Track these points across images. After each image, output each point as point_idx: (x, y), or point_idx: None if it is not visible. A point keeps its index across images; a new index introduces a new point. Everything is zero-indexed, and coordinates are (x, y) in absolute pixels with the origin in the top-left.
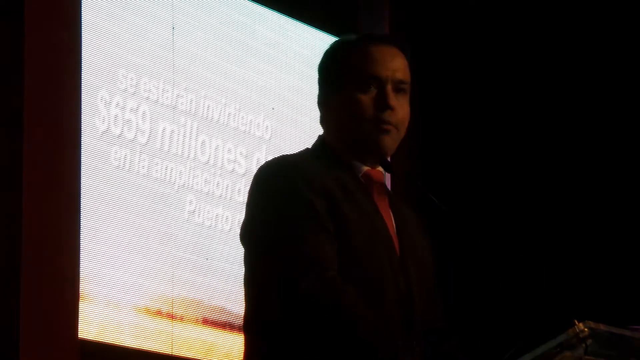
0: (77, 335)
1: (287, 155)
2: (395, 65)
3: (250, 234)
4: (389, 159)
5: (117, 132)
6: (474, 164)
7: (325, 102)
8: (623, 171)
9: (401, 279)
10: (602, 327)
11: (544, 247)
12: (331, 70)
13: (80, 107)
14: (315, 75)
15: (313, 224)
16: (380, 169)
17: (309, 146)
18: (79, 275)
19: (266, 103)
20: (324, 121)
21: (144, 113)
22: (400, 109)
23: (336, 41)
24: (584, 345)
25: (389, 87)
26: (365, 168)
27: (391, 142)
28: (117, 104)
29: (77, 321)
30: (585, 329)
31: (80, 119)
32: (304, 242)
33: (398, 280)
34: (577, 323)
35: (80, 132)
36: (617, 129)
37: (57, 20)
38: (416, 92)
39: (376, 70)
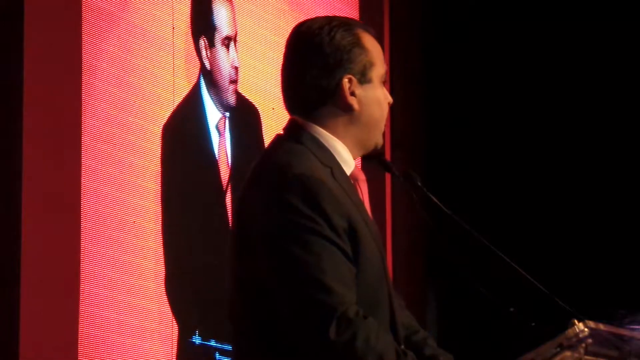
0: (77, 335)
1: (296, 160)
2: None
3: (270, 248)
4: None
5: (117, 132)
6: (474, 162)
7: (347, 90)
8: (623, 170)
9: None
10: (602, 327)
11: (544, 247)
12: (363, 58)
13: (80, 107)
14: None
15: (334, 250)
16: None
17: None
18: (79, 275)
19: (266, 103)
20: (327, 108)
21: (143, 113)
22: None
23: (356, 22)
24: (583, 345)
25: None
26: (355, 164)
27: None
28: (117, 104)
29: (77, 321)
30: (585, 329)
31: (80, 119)
32: (326, 277)
33: (386, 284)
34: (577, 323)
35: (80, 132)
36: (617, 129)
37: (57, 20)
38: (416, 91)
39: (384, 67)
